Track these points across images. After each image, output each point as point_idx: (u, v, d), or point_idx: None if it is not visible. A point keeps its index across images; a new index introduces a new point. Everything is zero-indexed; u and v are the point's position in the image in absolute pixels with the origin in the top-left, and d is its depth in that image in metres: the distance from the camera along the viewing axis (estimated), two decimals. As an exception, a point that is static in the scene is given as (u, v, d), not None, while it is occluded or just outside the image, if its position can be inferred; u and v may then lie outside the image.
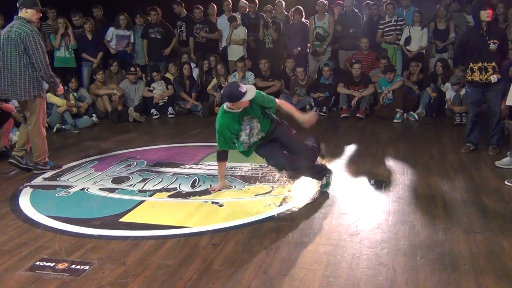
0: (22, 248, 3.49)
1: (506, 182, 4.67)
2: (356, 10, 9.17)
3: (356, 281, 2.92)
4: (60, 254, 3.38)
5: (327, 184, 4.53)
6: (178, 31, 9.50)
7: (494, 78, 5.45)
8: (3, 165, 5.52)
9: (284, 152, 4.38)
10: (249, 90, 4.11)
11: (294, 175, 4.85)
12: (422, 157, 5.65)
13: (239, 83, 8.56)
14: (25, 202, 4.47)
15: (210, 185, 4.75)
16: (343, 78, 8.56)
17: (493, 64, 5.44)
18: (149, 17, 9.26)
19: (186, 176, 5.09)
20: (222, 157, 4.54)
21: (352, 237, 3.53)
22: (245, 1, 9.41)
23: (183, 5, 9.53)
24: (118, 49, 9.12)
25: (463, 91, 7.49)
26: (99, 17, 9.30)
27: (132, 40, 9.19)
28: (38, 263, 3.26)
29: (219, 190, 4.63)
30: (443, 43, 8.53)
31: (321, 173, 4.52)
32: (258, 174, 5.08)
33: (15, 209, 4.32)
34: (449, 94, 7.69)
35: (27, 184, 5.00)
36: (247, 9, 9.43)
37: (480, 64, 5.49)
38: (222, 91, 4.13)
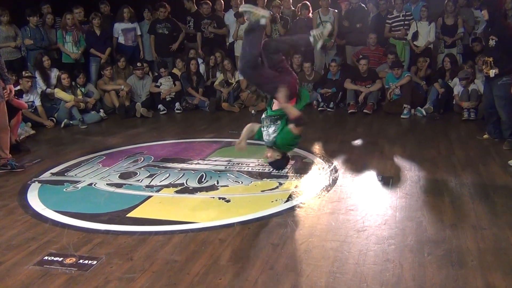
0: (30, 243, 3.52)
1: (510, 163, 5.01)
2: (363, 5, 9.13)
3: (363, 277, 2.91)
4: (68, 249, 3.40)
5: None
6: (187, 26, 9.51)
7: (491, 73, 5.68)
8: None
9: None
10: None
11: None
12: (429, 153, 5.63)
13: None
14: (33, 197, 4.50)
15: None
16: (350, 74, 8.53)
17: (491, 59, 5.69)
18: (157, 12, 9.25)
19: (193, 172, 5.10)
20: None
21: (359, 233, 3.52)
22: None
23: (193, 0, 9.54)
24: (128, 43, 9.14)
25: (471, 87, 7.47)
26: (107, 12, 9.32)
27: (139, 33, 9.19)
28: (46, 257, 3.29)
29: None
30: (451, 38, 8.49)
31: None
32: (265, 170, 5.08)
33: (23, 204, 4.35)
34: (457, 89, 7.65)
35: (35, 179, 5.03)
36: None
37: (485, 58, 5.87)
38: None
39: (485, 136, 6.06)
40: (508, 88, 5.60)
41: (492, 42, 5.69)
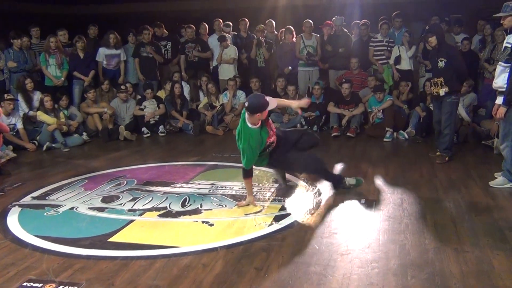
0: (9, 269, 3.45)
1: (490, 184, 5.21)
2: (346, 30, 9.27)
3: (347, 301, 2.90)
4: (48, 275, 3.34)
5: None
6: (163, 50, 9.56)
7: (442, 91, 6.10)
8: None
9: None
10: (271, 100, 4.43)
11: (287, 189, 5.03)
12: (412, 175, 5.67)
13: (230, 101, 8.66)
14: (13, 222, 4.42)
15: (237, 204, 4.74)
16: (333, 97, 8.61)
17: (441, 79, 6.08)
18: (142, 35, 9.29)
19: (176, 195, 5.06)
20: (249, 174, 4.63)
21: (343, 257, 3.52)
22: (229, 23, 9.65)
23: (163, 26, 9.66)
24: (109, 68, 9.15)
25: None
26: (94, 35, 9.35)
27: (123, 58, 9.20)
28: (25, 283, 3.22)
29: (247, 205, 4.66)
30: (432, 62, 8.64)
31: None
32: (248, 193, 5.07)
33: (3, 228, 4.27)
34: (438, 113, 7.75)
35: (15, 203, 4.96)
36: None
37: (434, 79, 6.23)
38: (248, 104, 4.33)
39: (438, 153, 6.33)
40: (455, 106, 6.14)
41: (441, 64, 6.08)
